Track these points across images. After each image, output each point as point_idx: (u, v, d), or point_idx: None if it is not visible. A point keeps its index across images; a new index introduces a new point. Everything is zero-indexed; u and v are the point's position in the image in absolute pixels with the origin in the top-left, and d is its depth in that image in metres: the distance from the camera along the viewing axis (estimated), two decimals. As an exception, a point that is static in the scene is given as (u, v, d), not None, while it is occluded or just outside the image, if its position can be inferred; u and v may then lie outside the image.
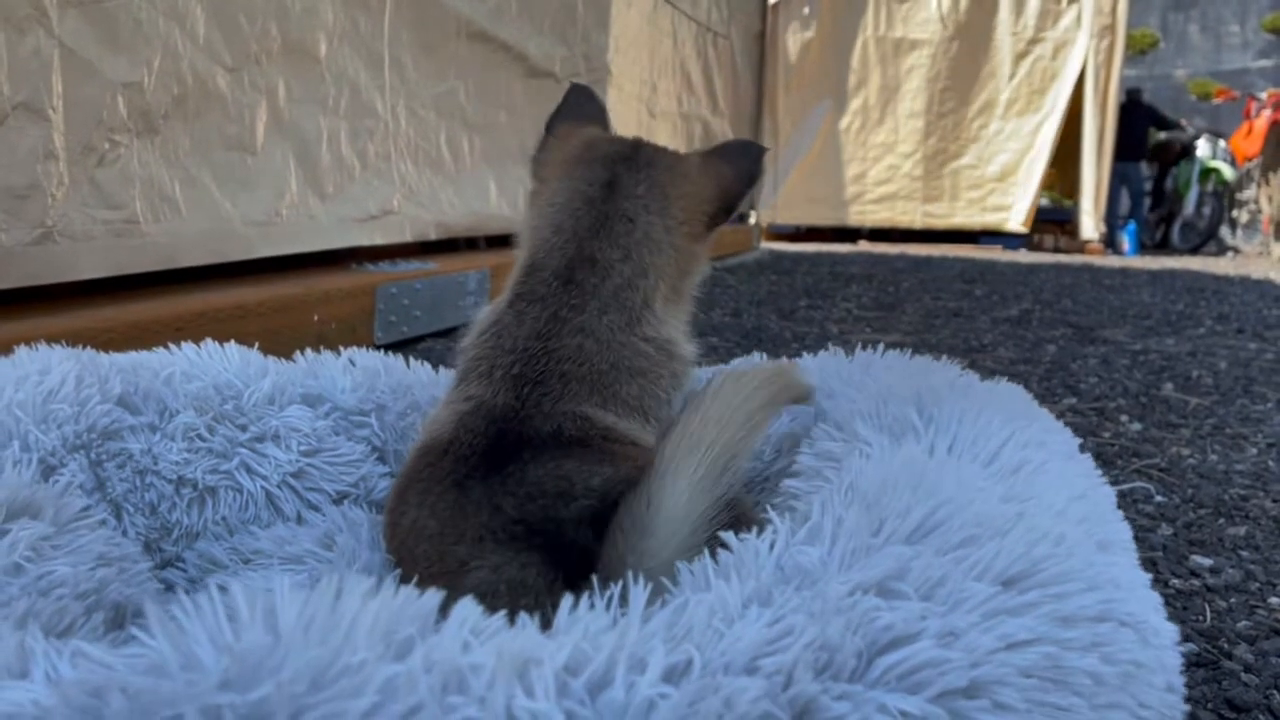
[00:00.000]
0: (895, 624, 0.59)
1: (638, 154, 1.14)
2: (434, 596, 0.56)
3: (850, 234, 10.25)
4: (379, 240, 2.96)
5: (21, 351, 0.99)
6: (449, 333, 3.09)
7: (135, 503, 0.97)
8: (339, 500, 1.12)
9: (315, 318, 2.38)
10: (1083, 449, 0.95)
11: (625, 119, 4.70)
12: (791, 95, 9.80)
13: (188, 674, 0.48)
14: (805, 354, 1.32)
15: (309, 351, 1.25)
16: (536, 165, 1.19)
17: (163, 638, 0.50)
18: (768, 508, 0.73)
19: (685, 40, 5.92)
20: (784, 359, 0.87)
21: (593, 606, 0.61)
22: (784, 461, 1.06)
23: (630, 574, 0.65)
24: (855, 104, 9.95)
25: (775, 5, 9.22)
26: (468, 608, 0.55)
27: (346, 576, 0.55)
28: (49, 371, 0.96)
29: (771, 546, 0.68)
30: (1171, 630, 0.74)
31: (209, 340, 1.17)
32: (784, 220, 10.05)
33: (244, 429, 1.08)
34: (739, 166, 1.18)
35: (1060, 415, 2.34)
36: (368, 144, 2.90)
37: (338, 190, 2.76)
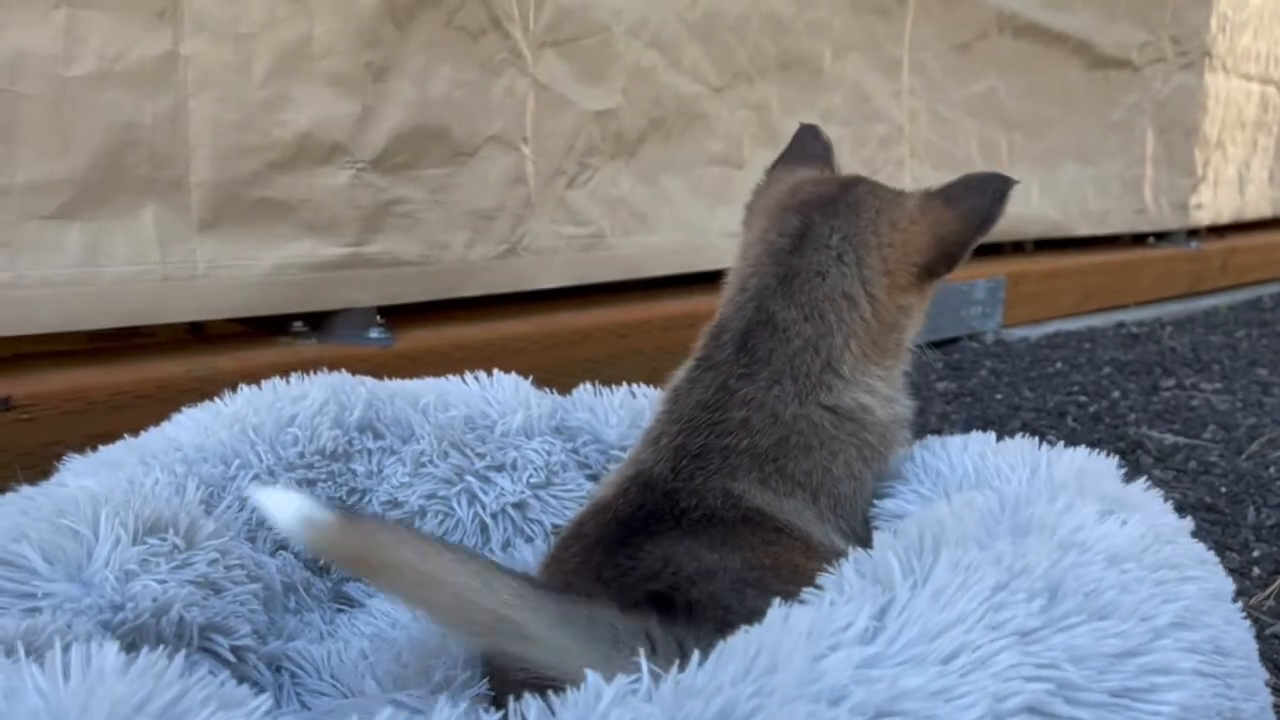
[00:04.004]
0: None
1: (842, 197, 1.07)
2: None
3: None
4: (880, 248, 2.93)
5: (294, 380, 1.20)
6: (945, 344, 2.99)
7: (336, 519, 1.13)
8: (556, 533, 1.19)
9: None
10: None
11: (1231, 104, 4.11)
12: None
13: None
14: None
15: (587, 385, 1.33)
16: (746, 213, 1.17)
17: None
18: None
19: (1350, 4, 5.00)
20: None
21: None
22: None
23: None
24: None
25: None
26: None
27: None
28: (303, 398, 1.15)
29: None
30: None
31: (497, 372, 1.30)
32: None
33: (482, 457, 1.19)
34: (966, 207, 1.04)
35: None
36: (876, 151, 2.89)
37: (835, 199, 2.78)
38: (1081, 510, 0.82)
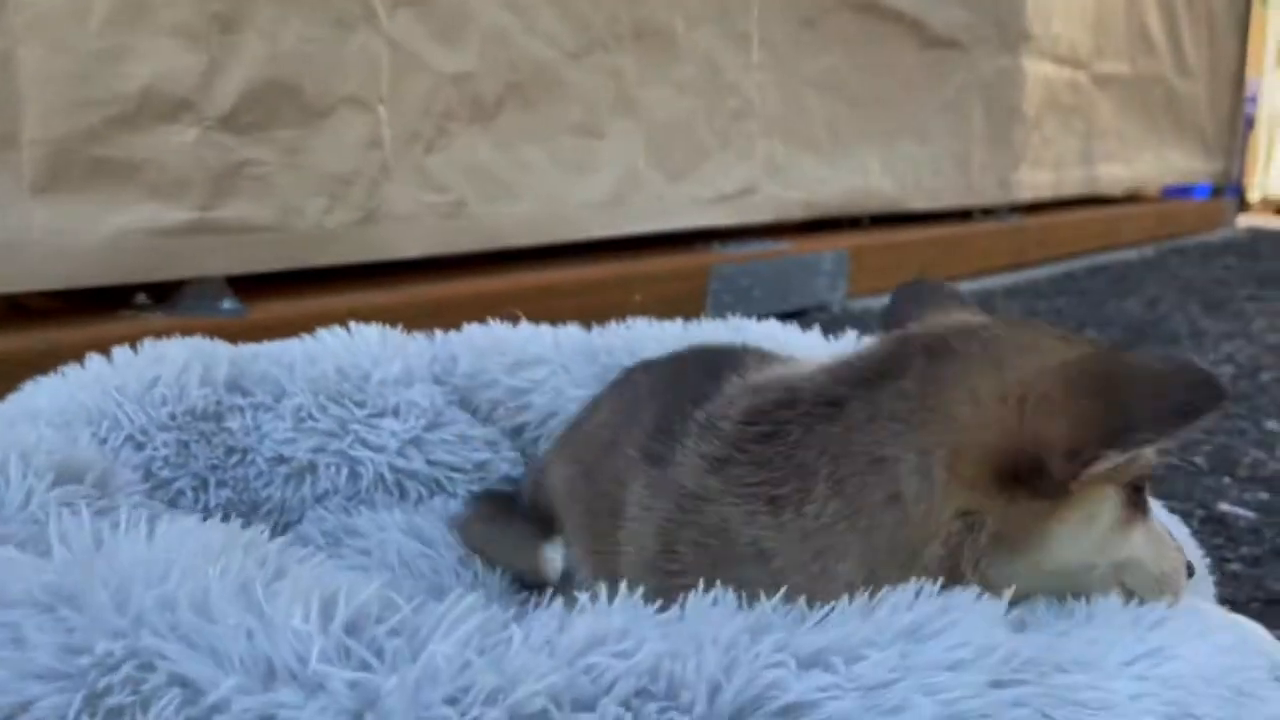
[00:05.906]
0: None
1: None
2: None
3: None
4: (732, 221, 2.94)
5: (146, 345, 1.10)
6: (796, 315, 3.03)
7: (221, 477, 1.06)
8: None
9: (637, 297, 2.42)
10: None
11: (1048, 86, 4.31)
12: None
13: None
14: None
15: (438, 332, 1.28)
16: None
17: None
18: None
19: (1144, -8, 5.31)
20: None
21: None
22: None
23: None
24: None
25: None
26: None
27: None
28: (162, 360, 1.06)
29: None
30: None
31: (355, 324, 1.22)
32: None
33: (361, 405, 1.13)
34: None
35: None
36: (728, 124, 2.89)
37: (690, 170, 2.77)
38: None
